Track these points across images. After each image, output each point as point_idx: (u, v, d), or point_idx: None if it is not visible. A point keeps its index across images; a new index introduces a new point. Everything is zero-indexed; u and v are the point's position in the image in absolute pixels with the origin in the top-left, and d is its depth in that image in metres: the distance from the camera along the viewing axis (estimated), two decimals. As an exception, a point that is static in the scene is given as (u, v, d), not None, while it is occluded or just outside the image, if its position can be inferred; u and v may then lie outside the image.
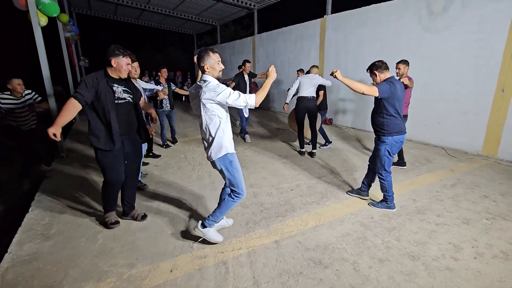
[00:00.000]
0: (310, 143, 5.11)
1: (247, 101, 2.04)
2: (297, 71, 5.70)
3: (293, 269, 2.07)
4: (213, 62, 2.11)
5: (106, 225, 2.60)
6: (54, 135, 2.10)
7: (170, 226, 2.65)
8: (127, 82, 2.48)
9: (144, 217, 2.75)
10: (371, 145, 5.41)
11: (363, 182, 3.20)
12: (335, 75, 2.65)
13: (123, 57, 2.29)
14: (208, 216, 2.33)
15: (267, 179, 3.84)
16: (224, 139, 2.14)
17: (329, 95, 6.97)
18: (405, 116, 4.39)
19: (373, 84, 2.84)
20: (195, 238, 2.41)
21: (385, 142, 2.82)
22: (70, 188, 3.50)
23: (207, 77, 2.12)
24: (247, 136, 5.97)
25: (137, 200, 2.88)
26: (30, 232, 2.54)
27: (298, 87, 4.84)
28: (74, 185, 3.60)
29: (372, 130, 3.03)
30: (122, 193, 2.70)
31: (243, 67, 5.79)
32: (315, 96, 4.79)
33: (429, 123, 5.51)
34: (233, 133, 5.91)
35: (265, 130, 7.15)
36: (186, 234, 2.52)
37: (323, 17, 7.76)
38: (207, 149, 2.20)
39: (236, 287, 1.91)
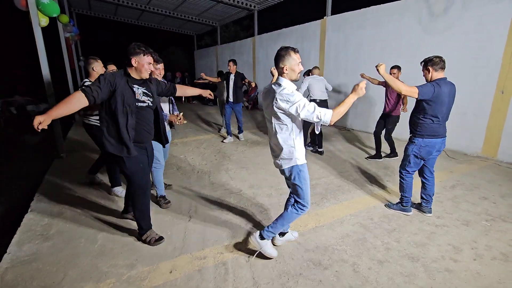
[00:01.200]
0: (311, 144, 5.22)
1: (322, 117, 1.78)
2: (304, 74, 5.41)
3: (293, 270, 2.07)
4: (294, 63, 1.90)
5: (150, 243, 2.34)
6: (40, 123, 1.75)
7: (170, 227, 2.65)
8: (148, 84, 2.25)
9: (158, 240, 2.37)
10: (372, 146, 5.42)
11: (421, 197, 2.95)
12: (378, 68, 2.60)
13: (144, 55, 2.08)
14: (268, 227, 2.14)
15: (266, 180, 3.84)
16: (295, 150, 1.96)
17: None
18: (397, 117, 4.55)
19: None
20: (198, 242, 2.41)
21: (415, 142, 2.72)
22: (69, 189, 3.50)
23: (283, 80, 1.92)
24: (240, 134, 6.11)
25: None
26: (29, 232, 2.54)
27: (308, 89, 4.91)
28: (74, 185, 3.60)
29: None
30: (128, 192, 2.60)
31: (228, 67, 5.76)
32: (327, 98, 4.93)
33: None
34: (233, 134, 5.88)
35: (266, 132, 7.15)
36: (186, 236, 2.52)
37: (323, 18, 7.77)
38: (276, 157, 2.06)
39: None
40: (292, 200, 2.19)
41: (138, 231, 2.40)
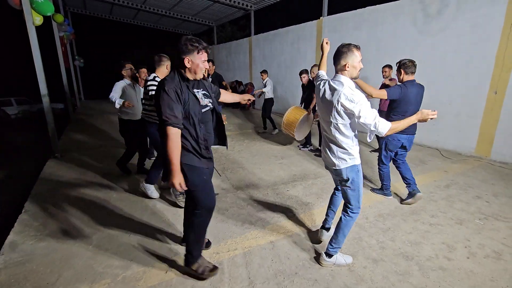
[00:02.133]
0: (308, 145, 5.26)
1: (378, 127, 1.76)
2: (303, 72, 5.25)
3: (289, 270, 2.08)
4: (356, 60, 1.85)
5: (202, 275, 1.95)
6: (180, 185, 1.70)
7: (165, 227, 2.64)
8: (203, 83, 1.95)
9: (213, 270, 2.01)
10: (366, 146, 5.46)
11: (404, 183, 3.24)
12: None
13: (198, 53, 1.77)
14: (330, 244, 2.10)
15: (263, 179, 3.85)
16: (354, 149, 1.95)
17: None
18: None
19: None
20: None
21: (383, 137, 2.88)
22: (64, 189, 3.47)
23: (344, 78, 1.87)
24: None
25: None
26: (23, 233, 2.51)
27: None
28: (69, 185, 3.57)
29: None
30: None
31: None
32: None
33: (423, 125, 5.51)
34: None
35: (262, 131, 7.15)
36: (182, 235, 2.52)
37: (319, 18, 7.81)
38: (332, 156, 1.99)
39: (231, 287, 1.91)
40: (340, 197, 2.33)
41: (187, 259, 1.99)
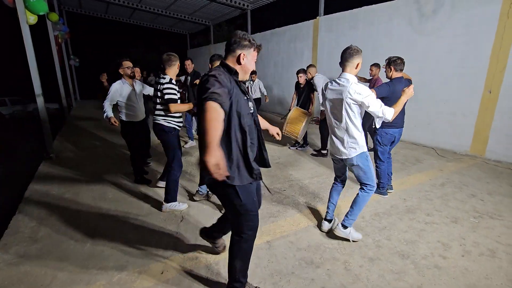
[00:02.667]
0: (305, 144, 5.29)
1: (385, 113, 2.11)
2: (300, 72, 5.09)
3: (285, 269, 2.08)
4: (360, 61, 2.20)
5: None
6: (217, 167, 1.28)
7: (161, 228, 2.63)
8: (244, 86, 1.65)
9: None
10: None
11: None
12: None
13: (254, 50, 1.60)
14: (346, 216, 2.36)
15: (259, 179, 3.84)
16: (362, 138, 2.22)
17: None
18: None
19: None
20: (188, 245, 2.39)
21: (377, 132, 3.17)
22: (59, 190, 3.43)
23: (349, 75, 2.17)
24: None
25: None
26: (17, 235, 2.48)
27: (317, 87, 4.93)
28: (63, 187, 3.54)
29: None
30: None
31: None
32: None
33: (419, 124, 5.60)
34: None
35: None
36: (178, 236, 2.51)
37: (315, 18, 7.81)
38: (343, 147, 2.25)
39: (227, 288, 1.90)
40: (340, 187, 2.57)
41: (231, 285, 1.75)
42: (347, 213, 2.38)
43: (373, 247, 2.35)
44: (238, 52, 1.55)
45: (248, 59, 1.59)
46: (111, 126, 3.54)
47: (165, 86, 2.78)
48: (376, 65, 4.71)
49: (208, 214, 2.90)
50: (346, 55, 2.18)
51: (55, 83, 8.49)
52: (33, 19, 4.68)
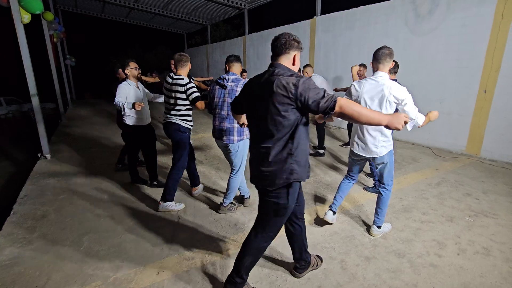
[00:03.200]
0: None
1: (418, 117, 2.21)
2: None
3: (281, 269, 2.08)
4: (392, 62, 2.31)
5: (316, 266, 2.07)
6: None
7: (158, 228, 2.62)
8: None
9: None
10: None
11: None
12: (352, 69, 3.48)
13: (300, 52, 1.62)
14: (378, 217, 2.48)
15: (256, 179, 3.83)
16: (390, 136, 2.34)
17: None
18: None
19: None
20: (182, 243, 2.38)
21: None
22: (54, 190, 3.41)
23: (385, 74, 2.27)
24: None
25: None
26: (11, 236, 2.46)
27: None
28: (59, 187, 3.51)
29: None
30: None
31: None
32: None
33: (415, 123, 5.62)
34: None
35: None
36: (175, 237, 2.50)
37: (313, 18, 7.82)
38: (374, 147, 2.33)
39: (224, 288, 1.90)
40: (351, 184, 2.66)
41: (233, 279, 1.74)
42: (377, 213, 2.48)
43: (369, 246, 2.36)
44: (292, 53, 1.56)
45: (297, 61, 1.60)
46: (133, 114, 3.28)
47: (189, 86, 2.79)
48: (363, 65, 4.75)
49: (205, 214, 2.89)
50: (381, 54, 2.26)
51: (50, 82, 8.41)
52: (27, 18, 4.63)
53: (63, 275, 2.00)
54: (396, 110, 2.32)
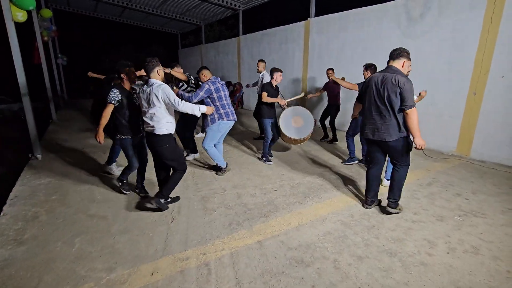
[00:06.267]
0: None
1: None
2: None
3: (275, 269, 2.09)
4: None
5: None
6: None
7: (152, 228, 2.61)
8: None
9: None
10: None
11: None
12: (331, 78, 4.14)
13: (408, 59, 2.83)
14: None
15: (251, 179, 3.85)
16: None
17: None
18: (338, 107, 5.82)
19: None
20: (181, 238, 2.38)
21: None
22: (45, 191, 3.36)
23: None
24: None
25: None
26: (1, 237, 2.42)
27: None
28: (50, 188, 3.46)
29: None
30: None
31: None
32: None
33: (407, 125, 5.71)
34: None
35: (250, 131, 7.16)
36: (169, 237, 2.49)
37: (307, 20, 7.88)
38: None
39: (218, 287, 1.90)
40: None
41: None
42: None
43: (362, 246, 2.39)
44: (403, 60, 2.61)
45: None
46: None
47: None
48: (331, 69, 5.63)
49: (198, 215, 2.89)
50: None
51: (42, 82, 8.27)
52: (21, 15, 4.55)
53: (54, 276, 1.97)
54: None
